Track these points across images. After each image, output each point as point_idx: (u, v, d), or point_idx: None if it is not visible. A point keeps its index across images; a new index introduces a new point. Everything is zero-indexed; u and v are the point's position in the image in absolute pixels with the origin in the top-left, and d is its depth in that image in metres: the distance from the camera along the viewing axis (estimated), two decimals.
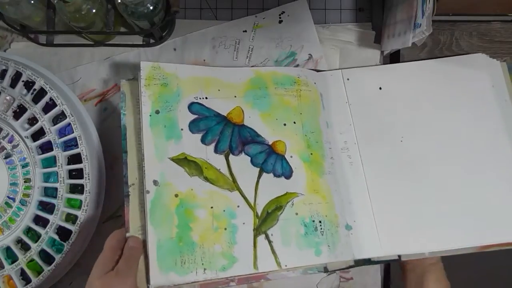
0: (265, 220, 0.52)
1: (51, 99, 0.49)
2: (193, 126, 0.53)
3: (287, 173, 0.54)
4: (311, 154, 0.56)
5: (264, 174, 0.54)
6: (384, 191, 0.56)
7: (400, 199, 0.55)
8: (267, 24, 0.65)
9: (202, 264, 0.48)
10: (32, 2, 0.51)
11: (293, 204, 0.53)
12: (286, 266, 0.50)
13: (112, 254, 0.46)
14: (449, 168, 0.56)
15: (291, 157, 0.55)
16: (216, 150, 0.53)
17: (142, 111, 0.52)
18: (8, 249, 0.49)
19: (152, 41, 0.64)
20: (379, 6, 0.64)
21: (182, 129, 0.53)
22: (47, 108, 0.49)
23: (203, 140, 0.53)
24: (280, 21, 0.65)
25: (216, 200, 0.51)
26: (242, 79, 0.57)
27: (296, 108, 0.58)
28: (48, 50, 0.55)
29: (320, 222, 0.53)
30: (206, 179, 0.52)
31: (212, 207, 0.51)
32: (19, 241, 0.50)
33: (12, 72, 0.49)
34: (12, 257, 0.50)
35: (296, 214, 0.53)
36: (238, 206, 0.52)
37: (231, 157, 0.53)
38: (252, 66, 0.62)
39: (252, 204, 0.52)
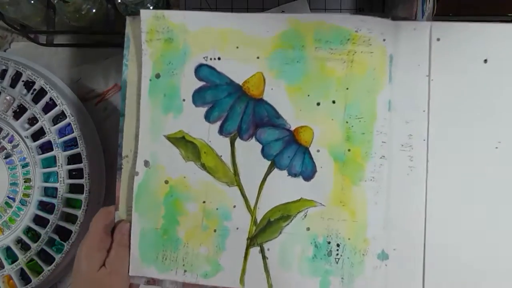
0: (264, 230, 0.41)
1: (51, 99, 0.48)
2: (198, 97, 0.43)
3: (308, 173, 0.41)
4: (349, 150, 0.40)
5: (276, 170, 0.41)
6: (450, 219, 0.37)
7: (469, 240, 0.37)
8: None
9: (183, 265, 0.42)
10: (32, 2, 0.50)
11: (305, 216, 0.41)
12: None
13: (100, 241, 0.42)
14: None
15: (318, 151, 0.41)
16: (221, 131, 0.42)
17: (142, 74, 0.44)
18: (8, 249, 0.49)
19: None
20: (379, 6, 0.59)
21: (184, 100, 0.43)
22: (47, 108, 0.49)
23: (207, 116, 0.42)
24: None
25: (210, 194, 0.42)
26: (271, 32, 0.41)
27: (341, 80, 0.40)
28: (48, 50, 0.54)
29: (337, 245, 0.40)
30: (203, 166, 0.42)
31: (204, 202, 0.42)
32: (19, 241, 0.50)
33: (12, 72, 0.48)
34: (12, 257, 0.50)
35: (308, 229, 0.40)
36: (235, 207, 0.42)
37: (238, 142, 0.42)
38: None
39: (252, 207, 0.41)
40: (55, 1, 0.48)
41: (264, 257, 0.41)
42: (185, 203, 0.43)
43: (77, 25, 0.52)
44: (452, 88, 0.38)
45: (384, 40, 0.40)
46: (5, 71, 0.49)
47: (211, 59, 0.42)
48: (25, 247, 0.50)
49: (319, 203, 0.40)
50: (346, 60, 0.40)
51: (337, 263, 0.40)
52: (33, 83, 0.48)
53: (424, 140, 0.39)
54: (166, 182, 0.43)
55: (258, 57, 0.42)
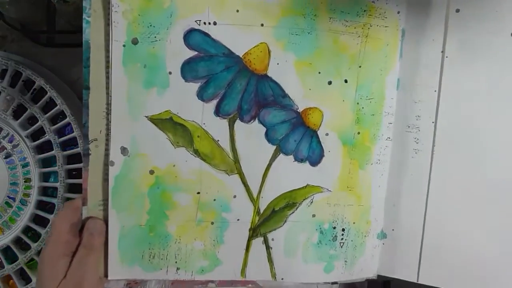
0: (268, 220, 0.38)
1: (51, 98, 0.47)
2: (188, 70, 0.35)
3: (315, 158, 0.38)
4: (358, 133, 0.38)
5: (281, 156, 0.37)
6: (453, 206, 0.39)
7: (471, 226, 0.39)
8: None
9: (176, 262, 0.37)
10: (32, 2, 0.49)
11: (311, 203, 0.38)
12: (282, 279, 0.39)
13: (65, 245, 0.35)
14: None
15: (327, 134, 0.37)
16: (218, 111, 0.36)
17: (113, 37, 0.34)
18: (8, 249, 0.49)
19: None
20: None
21: (170, 73, 0.35)
22: (47, 108, 0.48)
23: (200, 94, 0.35)
24: None
25: (206, 184, 0.37)
26: None
27: (355, 57, 0.37)
28: (48, 50, 0.53)
29: (343, 230, 0.39)
30: (197, 152, 0.36)
31: (199, 193, 0.37)
32: (19, 241, 0.49)
33: (12, 71, 0.48)
34: (12, 257, 0.49)
35: (313, 216, 0.38)
36: (235, 197, 0.37)
37: (238, 124, 0.36)
38: None
39: (255, 196, 0.38)
40: (55, 1, 0.46)
41: (268, 247, 0.38)
42: (175, 195, 0.37)
43: (77, 25, 0.50)
44: (470, 66, 0.36)
45: (398, 12, 0.37)
46: (5, 71, 0.48)
47: (204, 23, 0.34)
48: (25, 247, 0.49)
49: (325, 188, 0.38)
50: (361, 35, 0.36)
51: (341, 247, 0.39)
52: (33, 82, 0.47)
53: (433, 122, 0.38)
54: (151, 172, 0.36)
55: (262, 25, 0.35)
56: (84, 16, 0.34)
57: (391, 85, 0.38)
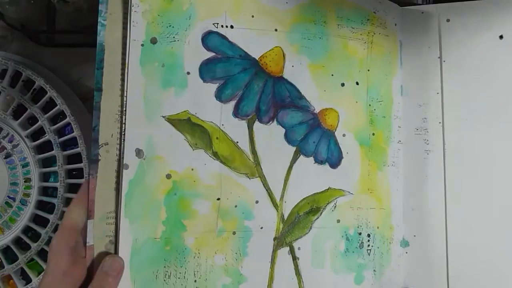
0: (293, 227, 0.36)
1: (51, 98, 0.47)
2: (206, 70, 0.35)
3: (334, 160, 0.37)
4: (373, 134, 0.38)
5: (302, 157, 0.36)
6: (472, 201, 0.38)
7: (494, 223, 0.38)
8: None
9: (195, 281, 0.33)
10: (32, 2, 0.49)
11: (335, 207, 0.37)
12: None
13: (63, 278, 0.29)
14: None
15: (344, 135, 0.38)
16: (236, 112, 0.35)
17: (131, 37, 0.34)
18: (8, 249, 0.49)
19: None
20: None
21: (188, 73, 0.34)
22: (47, 108, 0.48)
23: (218, 94, 0.35)
24: None
25: (226, 188, 0.35)
26: (290, 3, 0.37)
27: (363, 61, 0.39)
28: (48, 50, 0.53)
29: (368, 236, 0.37)
30: (216, 155, 0.35)
31: (219, 199, 0.34)
32: (19, 241, 0.49)
33: (12, 71, 0.48)
34: (12, 257, 0.49)
35: (338, 221, 0.37)
36: (257, 202, 0.35)
37: (257, 125, 0.36)
38: None
39: (278, 201, 0.36)
40: (55, 1, 0.47)
41: (294, 258, 0.35)
42: (193, 202, 0.34)
43: (77, 25, 0.52)
44: (466, 67, 0.39)
45: (395, 25, 0.40)
46: (5, 71, 0.48)
47: (222, 26, 0.35)
48: (25, 247, 0.48)
49: (347, 191, 0.37)
50: (366, 41, 0.39)
51: (369, 255, 0.37)
52: (33, 82, 0.47)
53: (440, 122, 0.39)
54: (168, 176, 0.33)
55: (276, 30, 0.36)
56: (99, 19, 0.34)
57: (396, 90, 0.40)
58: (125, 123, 0.33)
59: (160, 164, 0.33)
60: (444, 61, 0.40)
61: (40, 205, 0.48)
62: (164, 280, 0.33)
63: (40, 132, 0.47)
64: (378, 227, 0.38)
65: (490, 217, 0.38)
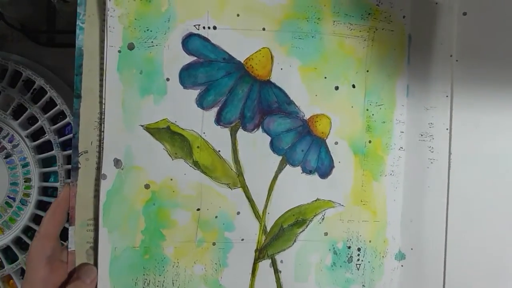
0: (275, 239, 0.35)
1: (51, 98, 0.47)
2: (187, 76, 0.33)
3: (325, 169, 0.35)
4: (369, 141, 0.35)
5: (288, 167, 0.34)
6: (475, 217, 0.35)
7: (496, 240, 0.35)
8: None
9: None
10: (32, 2, 0.49)
11: (323, 219, 0.35)
12: None
13: (41, 284, 0.30)
14: None
15: (336, 143, 0.35)
16: (218, 120, 0.34)
17: (107, 43, 0.32)
18: (8, 249, 0.49)
19: None
20: None
21: (168, 79, 0.33)
22: (47, 108, 0.47)
23: (200, 101, 0.33)
24: None
25: (206, 199, 0.34)
26: None
27: (362, 61, 0.35)
28: (48, 50, 0.53)
29: (359, 250, 0.35)
30: (197, 164, 0.33)
31: (199, 210, 0.34)
32: (19, 241, 0.49)
33: (12, 71, 0.47)
34: (12, 257, 0.49)
35: (325, 234, 0.35)
36: (239, 213, 0.34)
37: (240, 133, 0.34)
38: None
39: (261, 213, 0.34)
40: (55, 1, 0.47)
41: (276, 271, 0.34)
42: (172, 212, 0.33)
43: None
44: (482, 69, 0.35)
45: (403, 17, 0.36)
46: (5, 71, 0.48)
47: (204, 28, 0.33)
48: (25, 247, 0.49)
49: (338, 203, 0.35)
50: (366, 38, 0.35)
51: (358, 269, 0.35)
52: (33, 82, 0.47)
53: (447, 129, 0.36)
54: (147, 186, 0.33)
55: (264, 29, 0.34)
56: (78, 22, 0.33)
57: (401, 92, 0.36)
58: (103, 131, 0.33)
59: (138, 175, 0.33)
60: (456, 60, 0.35)
61: (40, 205, 0.48)
62: None
63: (40, 132, 0.48)
64: (370, 241, 0.36)
65: (495, 232, 0.35)
